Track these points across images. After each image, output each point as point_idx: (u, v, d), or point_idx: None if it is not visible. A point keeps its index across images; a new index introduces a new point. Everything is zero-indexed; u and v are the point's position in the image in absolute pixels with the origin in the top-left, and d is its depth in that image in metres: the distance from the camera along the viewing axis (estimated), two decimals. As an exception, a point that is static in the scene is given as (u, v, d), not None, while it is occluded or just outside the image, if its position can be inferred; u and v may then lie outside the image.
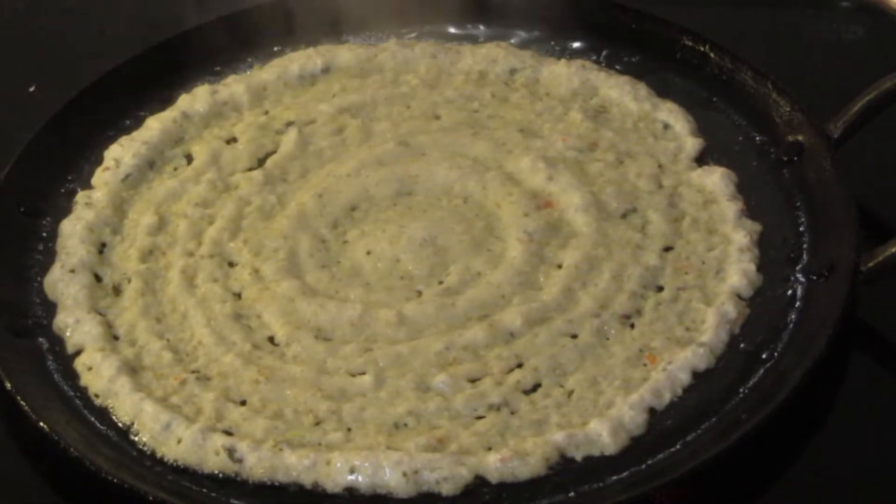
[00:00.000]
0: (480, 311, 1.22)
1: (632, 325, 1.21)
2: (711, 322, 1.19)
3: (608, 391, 1.15)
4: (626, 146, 1.38)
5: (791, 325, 1.19)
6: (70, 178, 1.38)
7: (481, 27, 1.54)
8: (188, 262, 1.29)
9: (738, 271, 1.23)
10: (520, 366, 1.17)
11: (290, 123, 1.43)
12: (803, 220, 1.28)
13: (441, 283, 1.26)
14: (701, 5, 1.62)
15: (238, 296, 1.26)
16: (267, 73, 1.49)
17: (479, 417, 1.14)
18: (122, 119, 1.44)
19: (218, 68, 1.50)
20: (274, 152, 1.40)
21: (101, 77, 1.45)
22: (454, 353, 1.18)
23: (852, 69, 1.49)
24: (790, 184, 1.32)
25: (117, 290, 1.28)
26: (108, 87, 1.45)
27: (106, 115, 1.43)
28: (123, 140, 1.41)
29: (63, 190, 1.37)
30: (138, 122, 1.44)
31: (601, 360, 1.18)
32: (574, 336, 1.19)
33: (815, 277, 1.22)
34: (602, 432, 1.10)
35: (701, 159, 1.36)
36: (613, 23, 1.49)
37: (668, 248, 1.27)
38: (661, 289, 1.24)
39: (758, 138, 1.37)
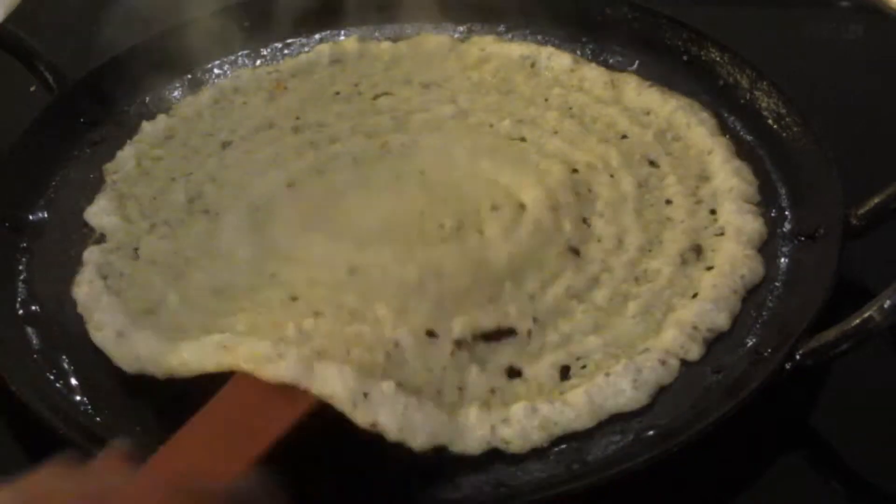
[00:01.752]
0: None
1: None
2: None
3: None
4: None
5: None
6: (50, 191, 1.36)
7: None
8: None
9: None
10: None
11: None
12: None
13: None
14: (701, 4, 1.62)
15: None
16: None
17: None
18: (98, 129, 1.43)
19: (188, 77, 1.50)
20: None
21: (72, 85, 1.44)
22: None
23: (852, 69, 1.50)
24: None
25: None
26: (80, 95, 1.44)
27: (82, 123, 1.43)
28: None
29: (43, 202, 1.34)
30: (117, 127, 1.43)
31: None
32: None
33: (802, 238, 1.21)
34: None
35: None
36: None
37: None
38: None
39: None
